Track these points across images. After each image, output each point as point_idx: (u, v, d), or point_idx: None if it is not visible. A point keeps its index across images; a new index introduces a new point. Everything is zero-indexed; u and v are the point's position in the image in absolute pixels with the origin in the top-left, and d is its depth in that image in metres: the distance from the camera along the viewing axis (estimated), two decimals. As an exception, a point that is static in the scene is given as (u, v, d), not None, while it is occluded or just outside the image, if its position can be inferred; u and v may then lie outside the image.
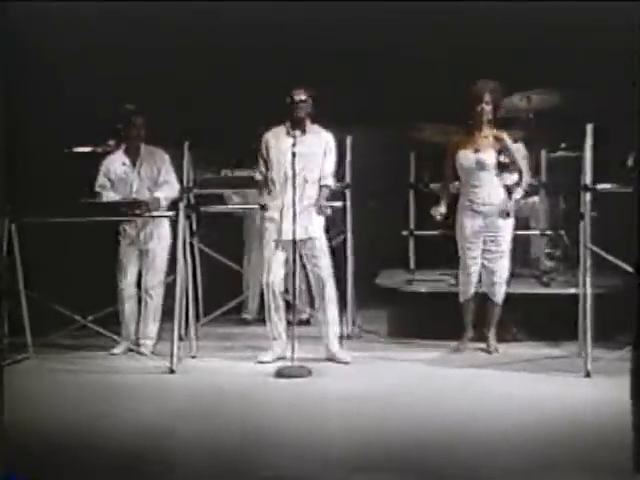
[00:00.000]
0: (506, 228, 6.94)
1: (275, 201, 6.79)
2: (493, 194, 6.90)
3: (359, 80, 8.39)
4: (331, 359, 6.77)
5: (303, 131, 6.70)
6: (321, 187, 6.81)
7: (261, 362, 6.84)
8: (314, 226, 6.78)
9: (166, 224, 7.15)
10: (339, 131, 7.08)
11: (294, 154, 6.55)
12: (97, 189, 7.23)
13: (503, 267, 6.99)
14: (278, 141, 6.76)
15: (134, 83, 7.83)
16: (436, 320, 7.24)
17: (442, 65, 8.18)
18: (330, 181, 6.90)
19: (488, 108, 6.91)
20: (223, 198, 7.98)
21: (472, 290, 7.04)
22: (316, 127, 6.84)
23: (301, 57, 7.95)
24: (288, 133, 6.71)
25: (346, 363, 6.75)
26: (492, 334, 7.11)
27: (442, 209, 6.94)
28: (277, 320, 6.80)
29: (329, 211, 6.84)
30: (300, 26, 7.88)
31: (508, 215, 6.94)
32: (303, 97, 6.72)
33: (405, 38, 8.08)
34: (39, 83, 7.67)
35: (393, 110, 8.25)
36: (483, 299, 7.09)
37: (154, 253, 7.21)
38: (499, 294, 7.04)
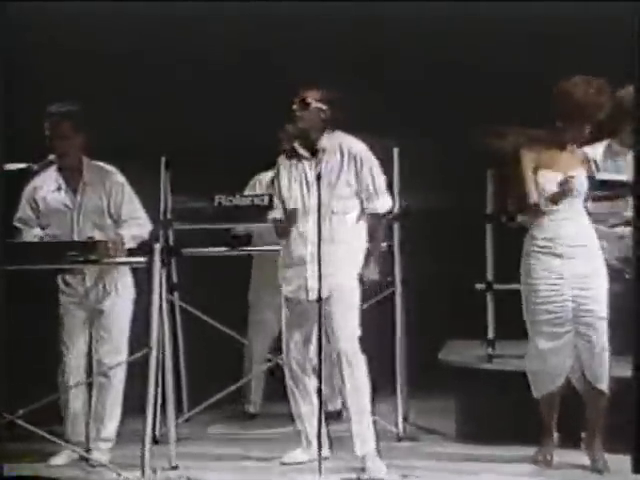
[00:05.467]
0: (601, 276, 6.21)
1: (293, 245, 6.04)
2: (582, 230, 6.23)
3: (411, 69, 7.77)
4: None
5: (315, 150, 5.99)
6: (371, 217, 5.98)
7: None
8: (338, 277, 5.93)
9: (128, 274, 6.42)
10: (382, 139, 6.32)
11: (307, 182, 5.90)
12: (16, 223, 6.41)
13: (602, 333, 6.09)
14: (286, 166, 6.09)
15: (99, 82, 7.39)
16: (527, 415, 6.15)
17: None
18: (378, 203, 5.99)
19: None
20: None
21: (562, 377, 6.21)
22: (336, 134, 6.06)
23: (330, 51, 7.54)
24: (294, 154, 6.00)
25: None
26: (598, 441, 6.12)
27: None
28: (299, 412, 6.07)
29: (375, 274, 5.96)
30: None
31: None
32: (316, 101, 5.92)
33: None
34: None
35: (457, 110, 7.59)
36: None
37: (111, 316, 6.40)
38: (603, 375, 6.04)
